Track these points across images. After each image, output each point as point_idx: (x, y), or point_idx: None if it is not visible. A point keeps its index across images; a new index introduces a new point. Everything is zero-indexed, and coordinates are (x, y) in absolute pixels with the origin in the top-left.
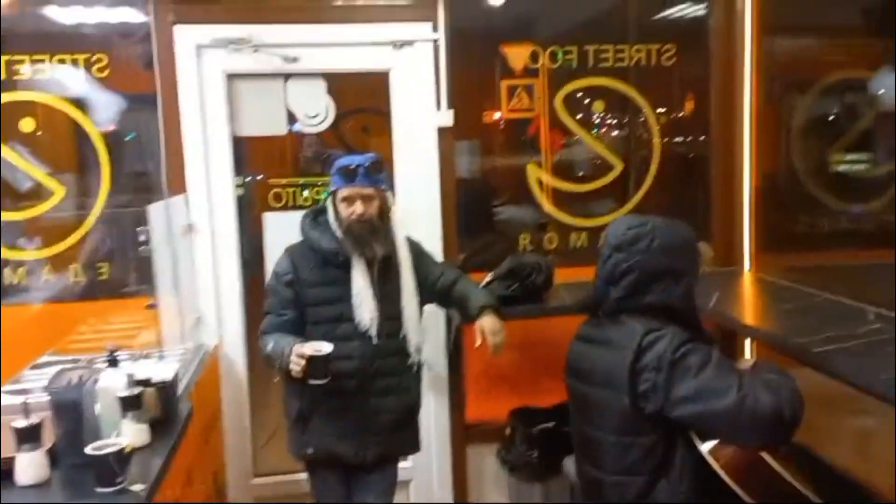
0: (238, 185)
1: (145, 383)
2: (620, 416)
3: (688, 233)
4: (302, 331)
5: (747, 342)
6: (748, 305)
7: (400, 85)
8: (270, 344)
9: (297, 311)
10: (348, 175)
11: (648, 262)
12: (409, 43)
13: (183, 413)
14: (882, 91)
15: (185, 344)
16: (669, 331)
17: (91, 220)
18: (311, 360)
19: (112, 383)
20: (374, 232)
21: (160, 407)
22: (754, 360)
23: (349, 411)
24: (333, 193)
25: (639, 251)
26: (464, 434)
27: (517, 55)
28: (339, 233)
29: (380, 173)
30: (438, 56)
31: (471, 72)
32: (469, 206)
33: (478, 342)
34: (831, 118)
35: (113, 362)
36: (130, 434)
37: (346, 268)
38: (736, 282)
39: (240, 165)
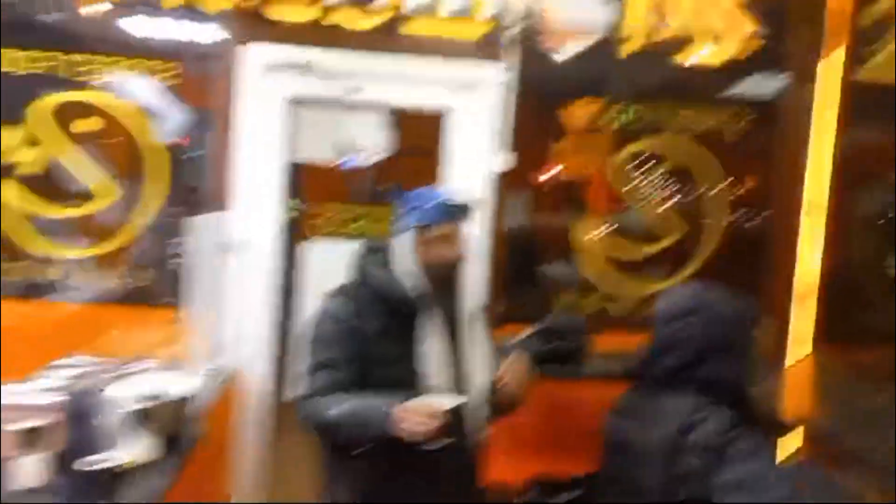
0: (290, 209)
1: (160, 397)
2: (655, 495)
3: (750, 309)
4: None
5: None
6: (803, 398)
7: (460, 126)
8: (347, 404)
9: (360, 367)
10: (451, 210)
11: (707, 334)
12: (473, 85)
13: (195, 433)
14: None
15: (210, 364)
16: (720, 410)
17: (140, 225)
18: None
19: (125, 393)
20: (459, 279)
21: (173, 423)
22: (800, 460)
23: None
24: (418, 229)
25: (699, 321)
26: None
27: (581, 112)
28: (416, 277)
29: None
30: (504, 100)
31: (532, 123)
32: (515, 258)
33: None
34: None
35: (132, 373)
36: (139, 449)
37: (416, 320)
38: (792, 371)
39: (294, 190)
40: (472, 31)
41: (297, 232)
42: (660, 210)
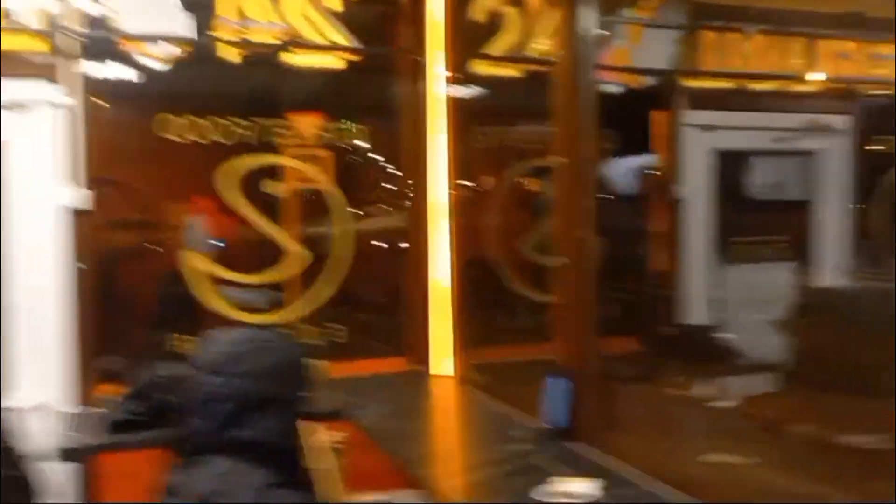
0: None
1: None
2: None
3: (300, 352)
4: None
5: None
6: (419, 415)
7: (19, 155)
8: None
9: None
10: None
11: (248, 388)
12: (31, 107)
13: None
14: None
15: None
16: (253, 477)
17: None
18: None
19: None
20: None
21: None
22: None
23: None
24: None
25: (237, 374)
26: None
27: (175, 125)
28: None
29: None
30: (70, 123)
31: (115, 139)
32: (111, 299)
33: None
34: (529, 204)
35: None
36: None
37: None
38: (418, 386)
39: None
40: (27, 44)
41: None
42: (281, 229)
